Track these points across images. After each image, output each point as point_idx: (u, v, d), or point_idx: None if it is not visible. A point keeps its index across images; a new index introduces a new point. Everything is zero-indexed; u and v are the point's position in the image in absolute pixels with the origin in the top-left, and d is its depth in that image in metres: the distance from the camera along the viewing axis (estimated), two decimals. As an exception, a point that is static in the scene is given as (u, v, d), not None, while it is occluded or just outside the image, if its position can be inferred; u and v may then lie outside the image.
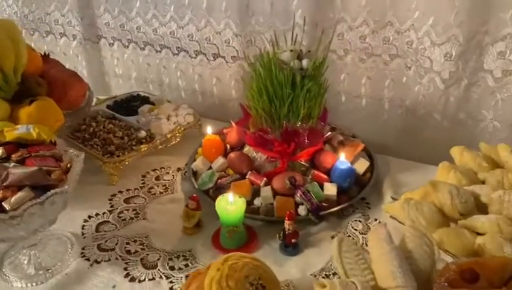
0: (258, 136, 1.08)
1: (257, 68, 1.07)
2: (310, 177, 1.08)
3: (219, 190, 1.07)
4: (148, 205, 1.11)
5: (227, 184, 1.08)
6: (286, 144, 1.05)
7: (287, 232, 0.94)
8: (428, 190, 0.92)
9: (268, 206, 1.02)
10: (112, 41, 1.65)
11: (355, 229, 1.01)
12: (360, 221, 1.02)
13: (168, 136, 1.27)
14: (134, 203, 1.12)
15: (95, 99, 1.49)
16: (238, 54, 1.42)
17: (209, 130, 1.21)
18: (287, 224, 0.93)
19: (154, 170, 1.23)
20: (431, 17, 1.17)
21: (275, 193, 1.05)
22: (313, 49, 1.07)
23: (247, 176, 1.08)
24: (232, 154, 1.14)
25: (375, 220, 1.03)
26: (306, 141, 1.07)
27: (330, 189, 1.04)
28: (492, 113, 1.24)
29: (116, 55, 1.67)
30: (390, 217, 0.97)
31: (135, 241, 1.00)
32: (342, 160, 1.07)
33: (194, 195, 1.02)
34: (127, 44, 1.62)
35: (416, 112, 1.32)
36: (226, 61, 1.45)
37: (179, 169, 1.23)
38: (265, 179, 1.06)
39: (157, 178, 1.20)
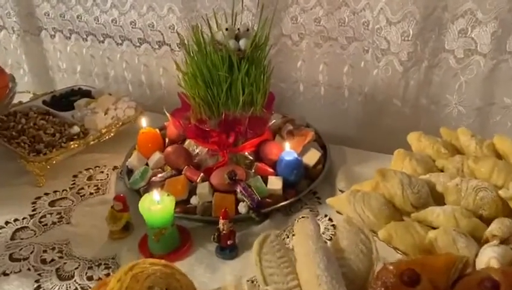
0: (195, 127, 0.96)
1: (191, 50, 0.96)
2: (253, 170, 0.97)
3: (151, 188, 0.96)
4: (75, 207, 0.99)
5: (160, 181, 0.96)
6: (225, 134, 0.95)
7: (222, 233, 0.83)
8: (378, 179, 0.81)
9: (206, 205, 0.91)
10: (53, 33, 1.53)
11: (302, 227, 0.90)
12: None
13: (103, 131, 1.15)
14: (60, 207, 1.00)
15: (31, 95, 1.36)
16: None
17: (143, 122, 1.10)
18: (222, 223, 0.82)
19: (87, 169, 1.11)
20: (385, -7, 1.07)
21: (214, 190, 0.93)
22: (256, 29, 0.96)
23: (183, 172, 0.97)
24: (168, 148, 1.02)
25: (325, 216, 0.92)
26: (247, 130, 0.96)
27: (275, 183, 0.93)
28: (456, 97, 1.14)
29: (59, 47, 1.55)
30: (337, 212, 0.87)
31: (53, 248, 0.88)
32: (288, 150, 0.96)
33: (120, 195, 0.90)
34: (68, 35, 1.50)
35: (376, 99, 1.22)
36: (172, 49, 1.34)
37: (115, 167, 1.11)
38: (202, 174, 0.95)
39: (89, 178, 1.08)
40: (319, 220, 0.91)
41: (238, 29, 0.94)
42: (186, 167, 0.97)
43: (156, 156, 1.04)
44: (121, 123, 1.19)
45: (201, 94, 0.95)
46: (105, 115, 1.19)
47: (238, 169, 0.94)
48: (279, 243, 0.68)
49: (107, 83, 1.51)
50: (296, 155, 0.95)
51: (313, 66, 1.27)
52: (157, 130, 1.12)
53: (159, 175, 0.98)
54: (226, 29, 0.92)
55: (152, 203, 0.82)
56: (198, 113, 0.99)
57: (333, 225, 0.89)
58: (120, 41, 1.41)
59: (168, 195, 0.83)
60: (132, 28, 1.36)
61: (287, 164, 0.94)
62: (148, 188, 0.96)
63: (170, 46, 1.34)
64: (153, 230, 0.82)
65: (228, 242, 0.83)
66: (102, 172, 1.10)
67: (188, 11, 1.26)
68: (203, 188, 0.92)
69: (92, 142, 1.11)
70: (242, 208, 0.90)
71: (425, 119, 1.20)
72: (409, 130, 1.18)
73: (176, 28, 1.30)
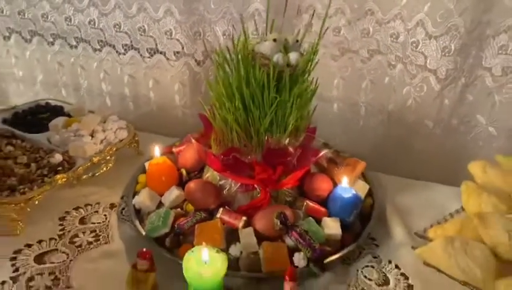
0: (232, 159, 0.78)
1: (224, 64, 0.78)
2: (302, 210, 0.80)
3: (177, 236, 0.76)
4: (73, 264, 0.77)
5: (189, 227, 0.77)
6: (271, 168, 0.77)
7: (288, 301, 0.66)
8: (475, 224, 0.69)
9: (252, 257, 0.73)
10: (7, 34, 1.25)
11: (370, 279, 0.75)
12: (372, 266, 0.77)
13: (95, 159, 0.93)
14: (52, 263, 0.76)
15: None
16: (183, 48, 1.11)
17: (157, 151, 0.89)
18: (289, 287, 0.65)
19: (76, 209, 0.88)
20: (427, 4, 0.96)
21: (259, 237, 0.76)
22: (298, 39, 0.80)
23: (217, 214, 0.78)
24: (192, 184, 0.83)
25: (389, 262, 0.78)
26: (294, 162, 0.79)
27: (332, 226, 0.78)
28: (487, 118, 1.06)
29: (15, 52, 1.28)
30: (426, 264, 0.73)
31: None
32: (345, 186, 0.81)
33: (144, 250, 0.70)
34: (29, 37, 1.24)
35: (403, 118, 1.11)
36: (167, 58, 1.13)
37: (112, 206, 0.90)
38: (245, 218, 0.77)
39: (82, 221, 0.86)
40: (383, 268, 0.77)
41: (286, 39, 0.77)
42: (221, 209, 0.78)
43: (173, 192, 0.84)
44: (114, 149, 0.97)
45: (238, 118, 0.77)
46: (92, 138, 0.97)
47: (286, 209, 0.77)
48: None
49: (77, 95, 1.27)
50: (354, 192, 0.80)
51: (327, 81, 1.13)
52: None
53: (184, 219, 0.78)
54: (274, 39, 0.75)
55: (200, 264, 0.63)
56: (228, 140, 0.81)
57: (403, 274, 0.76)
58: (98, 47, 1.18)
59: (217, 251, 0.65)
60: (116, 31, 1.14)
61: (345, 202, 0.79)
62: (174, 237, 0.76)
63: (165, 54, 1.13)
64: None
65: (297, 310, 0.66)
66: (96, 212, 0.88)
67: (189, 14, 1.07)
68: (248, 237, 0.74)
69: (84, 177, 0.89)
70: (300, 260, 0.73)
71: (453, 140, 1.11)
72: (437, 153, 1.11)
73: (173, 33, 1.10)
